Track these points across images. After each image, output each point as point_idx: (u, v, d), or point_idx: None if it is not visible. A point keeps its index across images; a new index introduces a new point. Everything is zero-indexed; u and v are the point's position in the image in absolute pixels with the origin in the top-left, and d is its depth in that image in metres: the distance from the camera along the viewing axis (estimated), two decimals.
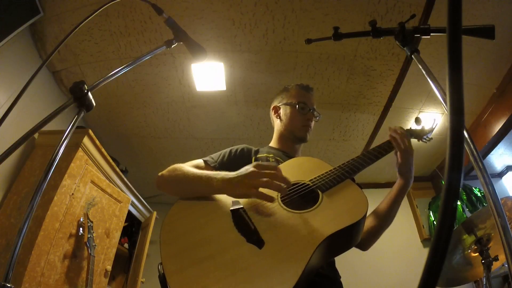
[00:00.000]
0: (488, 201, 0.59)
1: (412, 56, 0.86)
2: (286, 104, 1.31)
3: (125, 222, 2.47)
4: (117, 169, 2.51)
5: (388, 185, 3.95)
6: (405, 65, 2.41)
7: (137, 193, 2.92)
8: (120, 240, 2.41)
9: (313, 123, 1.30)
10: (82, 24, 1.00)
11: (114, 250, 2.24)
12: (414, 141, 1.26)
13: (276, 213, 0.83)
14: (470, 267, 1.57)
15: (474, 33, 0.84)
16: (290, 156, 1.20)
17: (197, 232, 0.80)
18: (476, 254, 1.48)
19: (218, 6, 2.05)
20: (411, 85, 2.58)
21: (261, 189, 0.80)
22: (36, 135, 2.12)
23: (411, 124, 1.33)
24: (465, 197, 3.22)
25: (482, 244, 1.44)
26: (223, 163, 1.12)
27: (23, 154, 2.03)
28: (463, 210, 3.12)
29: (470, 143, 0.66)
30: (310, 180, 0.93)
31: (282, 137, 1.30)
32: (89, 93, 0.78)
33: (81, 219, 1.87)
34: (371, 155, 1.04)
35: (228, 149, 1.19)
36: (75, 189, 1.89)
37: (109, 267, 2.13)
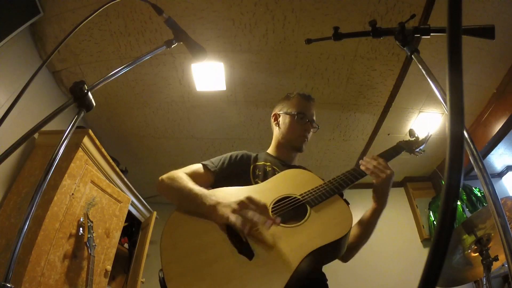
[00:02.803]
0: (488, 201, 0.59)
1: (412, 56, 0.86)
2: (286, 113, 1.32)
3: (125, 222, 2.47)
4: (117, 169, 2.50)
5: None
6: (405, 65, 2.42)
7: (137, 193, 2.92)
8: (120, 240, 2.41)
9: (310, 134, 1.32)
10: (82, 24, 1.00)
11: (114, 250, 2.24)
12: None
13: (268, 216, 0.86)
14: (470, 267, 1.57)
15: (474, 33, 0.84)
16: (286, 164, 1.24)
17: (194, 240, 0.85)
18: (476, 254, 1.48)
19: (218, 6, 2.05)
20: (411, 85, 2.58)
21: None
22: (36, 135, 2.12)
23: (404, 137, 1.34)
24: (465, 197, 3.22)
25: (482, 244, 1.44)
26: (223, 168, 1.14)
27: (23, 154, 2.03)
28: (463, 210, 3.12)
29: (470, 143, 0.66)
30: (300, 194, 0.97)
31: (279, 145, 1.32)
32: (89, 93, 0.78)
33: (81, 219, 1.87)
34: (361, 170, 1.07)
35: (228, 155, 1.21)
36: (75, 189, 1.89)
37: (109, 267, 2.13)
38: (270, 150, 1.35)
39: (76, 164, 1.93)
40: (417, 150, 1.29)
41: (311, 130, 1.32)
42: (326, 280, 1.04)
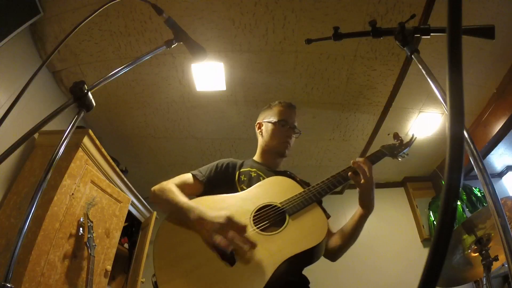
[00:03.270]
0: (488, 201, 0.59)
1: (412, 56, 0.86)
2: (268, 121, 1.38)
3: (125, 222, 2.47)
4: (117, 169, 2.50)
5: (387, 185, 3.97)
6: (405, 65, 2.41)
7: (137, 193, 2.92)
8: (120, 240, 2.41)
9: (292, 140, 1.37)
10: (82, 24, 1.00)
11: (114, 250, 2.24)
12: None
13: (247, 234, 0.92)
14: (470, 267, 1.56)
15: (474, 33, 0.84)
16: (271, 170, 1.30)
17: (182, 247, 0.92)
18: (476, 254, 1.48)
19: (218, 6, 2.05)
20: (411, 85, 2.58)
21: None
22: (36, 135, 2.12)
23: (387, 140, 1.33)
24: (465, 197, 3.22)
25: (482, 244, 1.44)
26: (210, 177, 1.20)
27: (23, 154, 2.03)
28: (463, 210, 3.12)
29: (470, 143, 0.66)
30: (280, 203, 1.02)
31: (264, 152, 1.37)
32: (89, 93, 0.78)
33: (81, 219, 1.87)
34: (340, 177, 1.10)
35: (215, 163, 1.27)
36: (75, 189, 1.89)
37: (109, 267, 2.13)
38: (256, 157, 1.40)
39: (76, 164, 1.93)
40: (400, 153, 1.29)
41: (293, 135, 1.36)
42: (308, 283, 1.07)
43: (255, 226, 0.96)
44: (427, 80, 0.80)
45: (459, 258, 1.56)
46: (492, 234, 1.44)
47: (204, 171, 1.22)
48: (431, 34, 0.88)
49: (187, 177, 1.19)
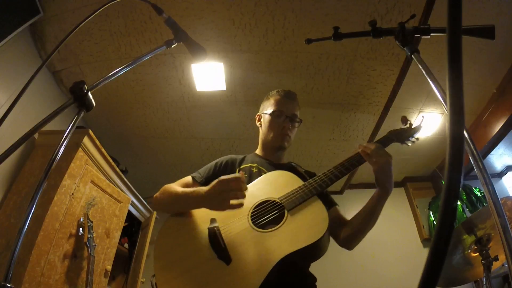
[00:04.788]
0: (488, 201, 0.59)
1: (412, 56, 0.86)
2: (265, 113, 1.33)
3: (125, 222, 2.47)
4: (117, 169, 2.50)
5: None
6: (405, 65, 2.41)
7: (137, 193, 2.92)
8: (120, 240, 2.41)
9: (293, 131, 1.30)
10: (82, 24, 1.00)
11: (114, 250, 2.23)
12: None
13: (244, 232, 0.92)
14: (470, 267, 1.56)
15: (474, 33, 0.84)
16: (273, 164, 1.25)
17: (180, 248, 0.93)
18: (476, 254, 1.48)
19: (218, 6, 2.05)
20: (411, 85, 2.58)
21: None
22: (36, 135, 2.12)
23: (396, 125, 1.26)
24: (465, 197, 3.22)
25: (482, 244, 1.44)
26: (208, 177, 1.17)
27: (23, 154, 2.02)
28: (463, 210, 3.12)
29: (470, 143, 0.66)
30: (279, 198, 0.99)
31: (264, 145, 1.33)
32: (89, 93, 0.78)
33: (81, 219, 1.87)
34: (343, 168, 1.06)
35: (213, 163, 1.25)
36: (75, 189, 1.89)
37: (109, 267, 2.13)
38: (258, 150, 1.36)
39: (76, 164, 1.93)
40: (409, 138, 1.21)
41: (292, 126, 1.29)
42: (313, 281, 1.02)
43: (253, 223, 0.94)
44: (427, 80, 0.80)
45: (459, 258, 1.56)
46: (492, 234, 1.44)
47: (202, 172, 1.21)
48: (431, 34, 0.88)
49: (187, 179, 1.19)
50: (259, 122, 1.37)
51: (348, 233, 1.07)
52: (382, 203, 1.03)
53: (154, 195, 1.11)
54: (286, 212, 0.94)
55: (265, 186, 1.06)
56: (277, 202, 0.98)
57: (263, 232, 0.91)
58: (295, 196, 0.98)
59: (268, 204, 0.99)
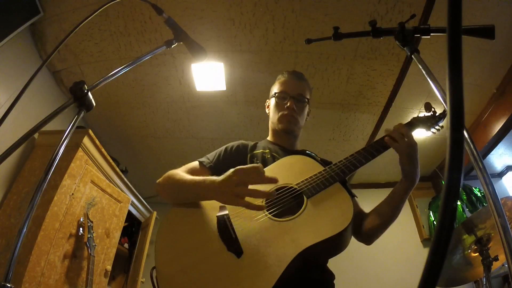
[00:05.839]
0: (488, 201, 0.59)
1: (412, 56, 0.86)
2: (270, 97, 1.28)
3: (125, 222, 2.47)
4: (117, 169, 2.50)
5: (388, 185, 3.95)
6: (405, 65, 2.41)
7: (137, 193, 2.92)
8: (120, 240, 2.41)
9: (299, 112, 1.19)
10: (82, 24, 1.00)
11: (114, 250, 2.24)
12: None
13: (258, 220, 0.81)
14: (470, 267, 1.57)
15: (474, 33, 0.84)
16: (286, 150, 1.16)
17: (185, 240, 0.83)
18: (476, 254, 1.48)
19: (218, 6, 2.05)
20: (411, 85, 2.58)
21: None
22: (36, 135, 2.12)
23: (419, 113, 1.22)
24: (465, 197, 3.22)
25: (482, 244, 1.44)
26: (218, 162, 1.09)
27: (23, 154, 2.03)
28: (463, 210, 3.12)
29: (470, 143, 0.66)
30: (297, 184, 0.90)
31: (273, 131, 1.26)
32: (89, 93, 0.78)
33: (81, 219, 1.87)
34: (367, 153, 0.99)
35: (223, 147, 1.16)
36: (75, 189, 1.89)
37: (109, 267, 2.13)
38: (269, 137, 1.28)
39: (76, 164, 1.93)
40: (435, 126, 1.14)
41: (298, 106, 1.18)
42: (332, 279, 0.94)
43: (268, 211, 0.83)
44: (427, 80, 0.80)
45: (459, 258, 1.56)
46: (492, 234, 1.44)
47: (211, 157, 1.12)
48: (431, 34, 0.88)
49: (194, 164, 1.09)
50: (268, 108, 1.30)
51: (371, 226, 1.00)
52: (406, 196, 0.97)
53: (157, 181, 1.01)
54: (305, 199, 0.84)
55: (281, 171, 0.94)
56: (295, 188, 0.88)
57: (279, 221, 0.80)
58: (315, 182, 0.88)
59: (285, 190, 0.88)
